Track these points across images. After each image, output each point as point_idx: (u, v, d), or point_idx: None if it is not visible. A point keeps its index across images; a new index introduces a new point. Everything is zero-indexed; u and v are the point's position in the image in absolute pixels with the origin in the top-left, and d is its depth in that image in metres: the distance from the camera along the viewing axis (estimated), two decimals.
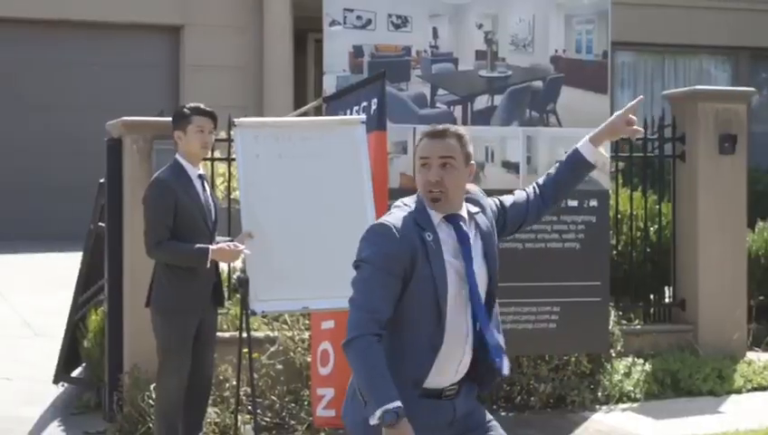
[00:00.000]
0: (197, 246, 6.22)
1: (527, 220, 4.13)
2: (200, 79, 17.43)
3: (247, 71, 17.85)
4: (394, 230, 3.73)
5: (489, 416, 4.04)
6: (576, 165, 4.16)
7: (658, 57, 20.35)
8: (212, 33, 17.78)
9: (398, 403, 3.54)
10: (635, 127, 4.18)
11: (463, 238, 3.83)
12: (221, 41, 17.79)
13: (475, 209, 3.94)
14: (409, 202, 3.89)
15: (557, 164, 4.19)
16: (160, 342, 6.32)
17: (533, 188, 4.16)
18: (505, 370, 3.87)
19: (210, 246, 6.24)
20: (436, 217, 3.84)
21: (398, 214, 3.83)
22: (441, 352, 3.77)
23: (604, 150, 4.20)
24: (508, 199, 4.11)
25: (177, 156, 6.39)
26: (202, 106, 6.44)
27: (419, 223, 3.79)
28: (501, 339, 3.92)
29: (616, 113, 4.23)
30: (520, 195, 4.14)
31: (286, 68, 17.57)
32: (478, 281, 3.84)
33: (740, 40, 20.16)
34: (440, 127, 3.88)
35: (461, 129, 3.93)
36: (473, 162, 3.92)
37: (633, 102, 4.21)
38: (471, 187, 4.03)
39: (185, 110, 6.40)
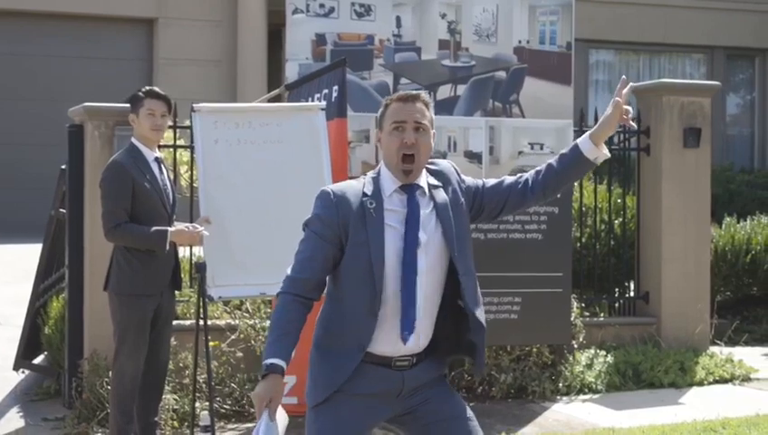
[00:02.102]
0: (156, 228, 6.19)
1: (507, 206, 4.01)
2: (174, 72, 17.40)
3: (221, 64, 17.84)
4: (331, 196, 3.83)
5: (458, 407, 3.97)
6: (574, 161, 3.96)
7: (634, 56, 20.42)
8: (186, 27, 17.76)
9: (275, 360, 3.63)
10: (625, 108, 3.91)
11: (412, 207, 3.85)
12: (195, 34, 17.76)
13: (435, 182, 3.94)
14: (369, 173, 3.98)
15: (558, 156, 4.03)
16: (117, 325, 6.27)
17: (528, 175, 4.03)
18: (408, 343, 3.82)
19: (169, 229, 6.22)
20: (390, 186, 3.88)
21: (350, 182, 3.96)
22: (381, 320, 3.79)
23: (606, 148, 3.97)
24: (491, 182, 4.04)
25: (133, 139, 6.38)
26: (156, 89, 6.44)
27: (366, 191, 3.85)
28: (480, 314, 3.91)
29: (613, 108, 3.93)
30: (508, 179, 4.04)
31: (260, 62, 17.57)
32: (431, 254, 3.84)
33: (715, 39, 20.26)
34: (412, 92, 3.94)
35: (427, 96, 3.99)
36: (434, 130, 3.96)
37: (620, 88, 3.94)
38: (443, 162, 4.05)
39: (139, 93, 6.39)
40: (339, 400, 3.82)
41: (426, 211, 3.87)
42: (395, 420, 4.00)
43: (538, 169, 4.03)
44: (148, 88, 6.45)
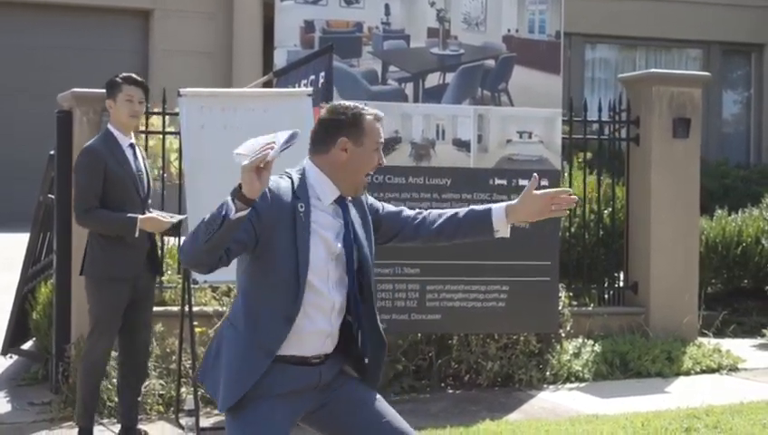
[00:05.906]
0: (127, 214, 6.23)
1: (399, 236, 4.05)
2: (169, 64, 17.42)
3: (216, 56, 17.86)
4: (268, 193, 3.65)
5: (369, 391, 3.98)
6: (479, 222, 3.96)
7: (630, 51, 20.43)
8: (182, 18, 17.77)
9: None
10: (562, 204, 3.90)
11: (347, 220, 3.86)
12: (191, 26, 17.79)
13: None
14: (293, 173, 3.84)
15: (468, 208, 4.04)
16: (92, 307, 6.39)
17: (429, 214, 4.06)
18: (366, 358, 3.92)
19: (138, 216, 6.25)
20: (329, 195, 3.83)
21: (278, 180, 3.77)
22: (299, 325, 3.73)
23: (509, 229, 3.95)
24: (391, 208, 4.08)
25: (109, 125, 6.42)
26: (133, 76, 6.46)
27: (298, 194, 3.76)
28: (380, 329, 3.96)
29: (542, 192, 3.92)
30: (406, 211, 4.07)
31: (255, 54, 17.59)
32: (340, 263, 3.85)
33: (711, 35, 20.28)
34: (378, 111, 3.92)
35: None
36: None
37: (555, 190, 3.96)
38: None
39: (117, 79, 6.41)
40: (259, 403, 3.73)
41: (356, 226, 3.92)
42: (306, 419, 3.95)
43: (443, 212, 4.05)
44: (125, 75, 6.45)
